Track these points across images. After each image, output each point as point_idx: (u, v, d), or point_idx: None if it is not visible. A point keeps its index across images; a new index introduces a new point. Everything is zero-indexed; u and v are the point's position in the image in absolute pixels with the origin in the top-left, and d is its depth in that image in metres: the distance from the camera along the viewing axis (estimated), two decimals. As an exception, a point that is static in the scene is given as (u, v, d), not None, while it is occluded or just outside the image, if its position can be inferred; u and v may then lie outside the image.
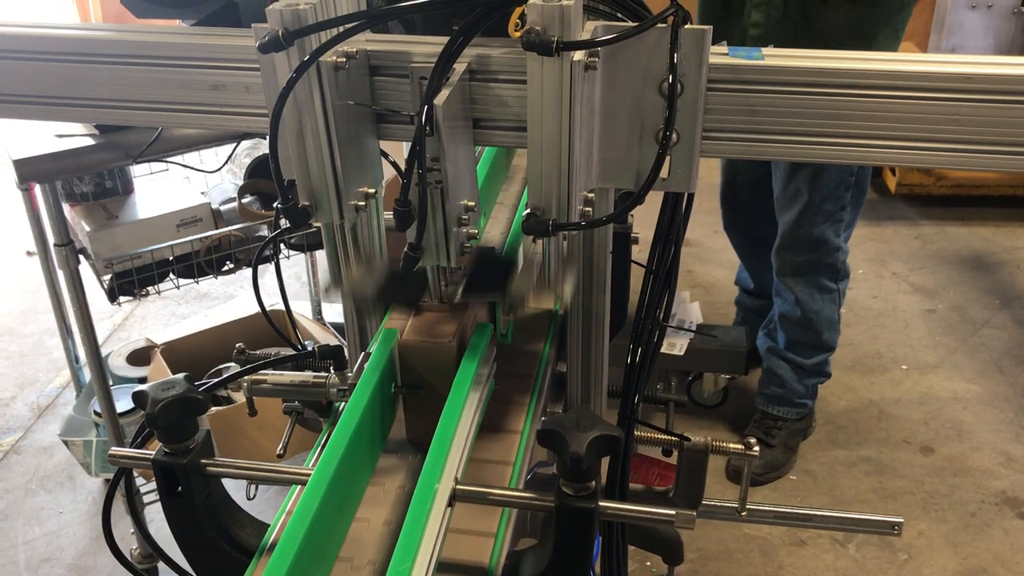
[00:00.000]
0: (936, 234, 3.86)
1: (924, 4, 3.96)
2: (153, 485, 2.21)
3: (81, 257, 2.08)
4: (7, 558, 2.45)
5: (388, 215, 1.07)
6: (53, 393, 3.10)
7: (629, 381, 1.17)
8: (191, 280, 2.28)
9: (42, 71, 1.08)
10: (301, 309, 3.06)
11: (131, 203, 2.26)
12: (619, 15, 0.94)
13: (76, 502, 2.63)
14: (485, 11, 0.90)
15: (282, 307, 1.36)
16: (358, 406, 1.00)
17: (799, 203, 2.40)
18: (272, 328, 1.36)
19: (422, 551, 0.83)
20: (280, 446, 1.25)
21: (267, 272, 3.21)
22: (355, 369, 1.14)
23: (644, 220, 1.26)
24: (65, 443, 2.57)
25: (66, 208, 2.14)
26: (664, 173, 0.95)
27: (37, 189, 2.05)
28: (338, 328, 2.86)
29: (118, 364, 2.73)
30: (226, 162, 2.30)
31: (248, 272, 2.36)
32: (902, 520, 1.19)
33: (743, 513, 1.22)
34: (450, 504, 0.90)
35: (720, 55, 0.92)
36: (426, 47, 0.97)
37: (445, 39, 0.91)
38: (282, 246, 2.38)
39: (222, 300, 3.51)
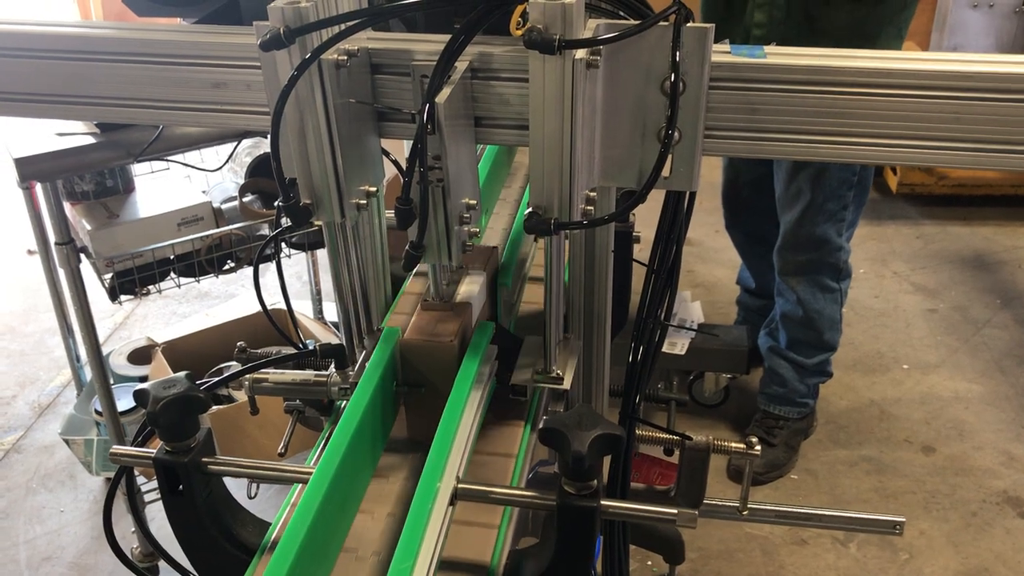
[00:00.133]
0: (937, 233, 3.86)
1: (925, 3, 3.95)
2: (154, 484, 2.21)
3: (82, 256, 2.08)
4: (8, 557, 2.45)
5: (389, 214, 1.07)
6: (54, 392, 3.10)
7: (630, 380, 1.17)
8: (192, 279, 2.28)
9: (43, 69, 1.08)
10: (302, 308, 3.06)
11: (132, 202, 2.26)
12: (621, 13, 0.93)
13: (77, 501, 2.63)
14: (487, 9, 0.90)
15: (283, 306, 1.36)
16: (359, 405, 1.00)
17: (801, 202, 2.40)
18: (273, 327, 1.36)
19: (424, 549, 0.83)
20: (281, 445, 1.25)
21: (268, 271, 3.22)
22: (356, 368, 1.14)
23: (645, 219, 1.26)
24: (66, 442, 2.57)
25: (67, 207, 2.14)
26: (666, 172, 0.95)
27: (38, 188, 2.05)
28: (339, 327, 2.85)
29: (119, 363, 2.73)
30: (227, 161, 2.30)
31: (249, 271, 2.36)
32: (904, 520, 1.18)
33: (744, 512, 1.22)
34: (451, 503, 0.90)
35: (722, 53, 0.92)
36: (428, 45, 0.96)
37: (447, 37, 0.91)
38: (283, 245, 2.38)
39: (223, 299, 3.51)
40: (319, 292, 3.12)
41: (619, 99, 0.95)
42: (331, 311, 3.15)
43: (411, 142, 0.90)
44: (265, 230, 2.33)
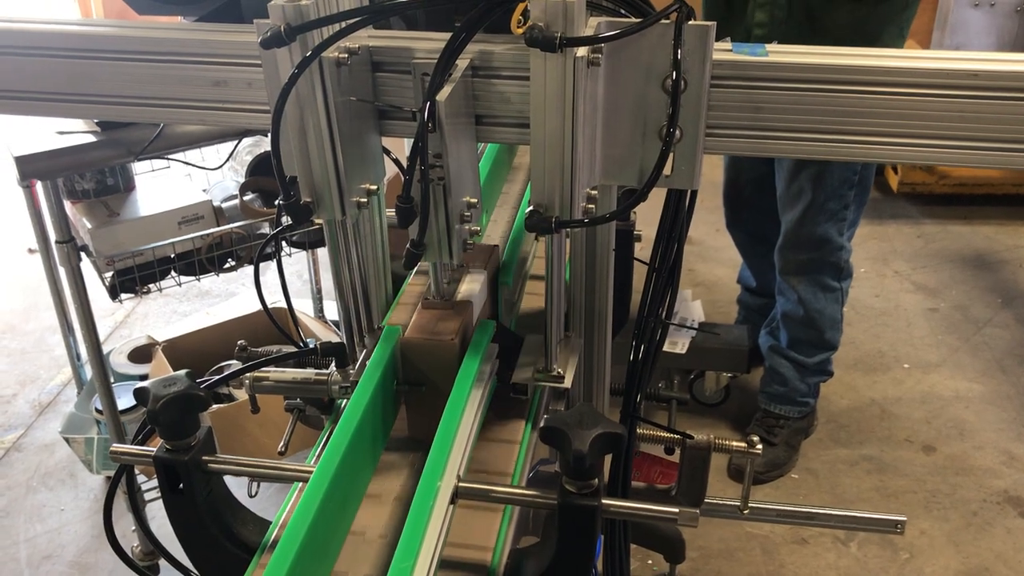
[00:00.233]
0: (938, 233, 3.85)
1: (927, 3, 3.94)
2: (154, 482, 2.21)
3: (83, 254, 2.08)
4: (8, 555, 2.45)
5: (390, 212, 1.07)
6: (54, 390, 3.10)
7: (631, 379, 1.17)
8: (192, 277, 2.28)
9: (44, 67, 1.08)
10: (303, 306, 3.06)
11: (133, 200, 2.26)
12: (622, 11, 0.93)
13: (77, 499, 2.63)
14: (488, 7, 0.90)
15: (284, 304, 1.36)
16: (360, 403, 1.00)
17: (803, 201, 2.39)
18: (274, 325, 1.36)
19: (424, 549, 0.83)
20: (282, 443, 1.25)
21: (269, 270, 3.21)
22: (357, 366, 1.14)
23: (647, 217, 1.26)
24: (66, 440, 2.57)
25: (67, 205, 2.14)
26: (667, 170, 0.95)
27: (39, 186, 2.05)
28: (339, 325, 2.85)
29: (119, 361, 2.73)
30: (228, 159, 2.30)
31: (249, 270, 2.36)
32: (905, 519, 1.18)
33: (745, 511, 1.21)
34: (452, 502, 0.90)
35: (724, 51, 0.92)
36: (428, 43, 0.96)
37: (447, 35, 0.91)
38: (284, 243, 2.38)
39: (223, 297, 3.51)
40: (320, 291, 3.12)
41: (620, 97, 0.94)
42: (332, 310, 3.15)
43: (412, 140, 0.90)
44: (266, 228, 2.33)
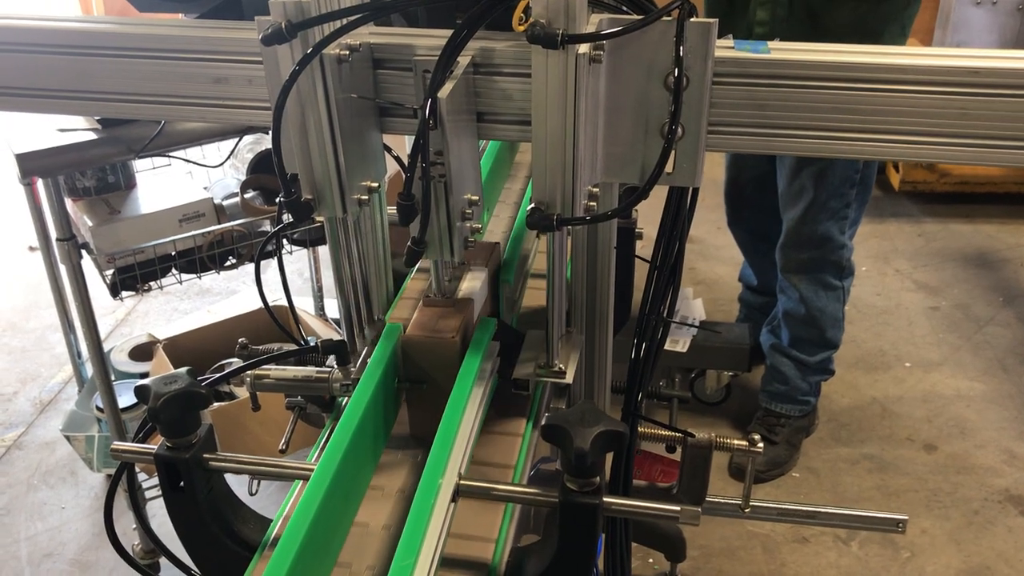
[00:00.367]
0: (940, 231, 3.85)
1: (928, 1, 3.94)
2: (155, 480, 2.21)
3: (83, 252, 2.08)
4: (9, 553, 2.45)
5: (391, 209, 1.07)
6: (55, 388, 3.10)
7: (633, 377, 1.17)
8: (193, 275, 2.28)
9: (44, 64, 1.08)
10: (304, 304, 3.06)
11: (133, 198, 2.25)
12: (624, 8, 0.93)
13: (78, 497, 2.63)
14: (489, 4, 0.90)
15: (285, 302, 1.36)
16: (361, 401, 1.00)
17: (804, 200, 2.39)
18: (275, 323, 1.36)
19: (425, 547, 0.83)
20: (282, 441, 1.24)
21: (269, 268, 3.21)
22: (358, 364, 1.14)
23: (648, 215, 1.25)
24: (67, 438, 2.57)
25: (68, 203, 2.14)
26: (669, 168, 0.95)
27: (39, 183, 2.05)
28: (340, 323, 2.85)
29: (120, 359, 2.74)
30: (229, 157, 2.30)
31: (250, 267, 2.36)
32: (907, 518, 1.18)
33: (747, 510, 1.21)
34: (453, 500, 0.90)
35: (726, 48, 0.92)
36: (430, 40, 0.96)
37: (449, 32, 0.91)
38: (285, 241, 2.37)
39: (224, 295, 3.51)
40: (320, 288, 3.12)
41: (622, 94, 0.94)
42: (333, 308, 3.15)
43: (413, 137, 0.90)
44: (267, 226, 2.32)
